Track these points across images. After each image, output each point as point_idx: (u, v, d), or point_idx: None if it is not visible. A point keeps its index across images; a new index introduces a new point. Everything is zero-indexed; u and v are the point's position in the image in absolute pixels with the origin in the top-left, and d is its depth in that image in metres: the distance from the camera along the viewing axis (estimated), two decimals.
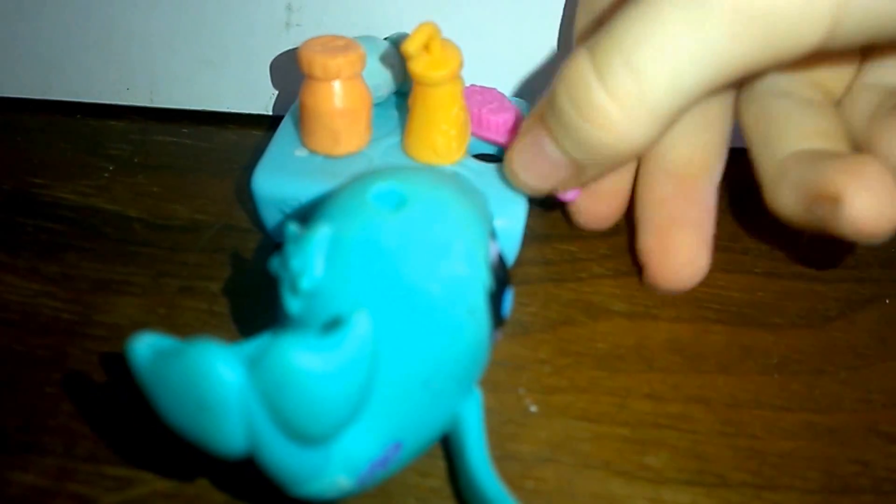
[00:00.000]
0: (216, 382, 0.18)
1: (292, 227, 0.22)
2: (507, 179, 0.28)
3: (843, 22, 0.20)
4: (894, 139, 0.24)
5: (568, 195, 0.29)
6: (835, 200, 0.23)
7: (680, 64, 0.21)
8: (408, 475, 0.24)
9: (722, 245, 0.33)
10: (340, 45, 0.28)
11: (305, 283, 0.21)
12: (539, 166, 0.26)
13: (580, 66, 0.22)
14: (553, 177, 0.26)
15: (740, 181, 0.37)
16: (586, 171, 0.25)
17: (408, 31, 0.33)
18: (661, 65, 0.21)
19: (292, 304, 0.21)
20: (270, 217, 0.30)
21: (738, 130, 0.38)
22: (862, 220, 0.22)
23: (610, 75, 0.22)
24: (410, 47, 0.26)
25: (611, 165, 0.25)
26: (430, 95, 0.28)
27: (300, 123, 0.30)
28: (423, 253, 0.21)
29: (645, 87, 0.22)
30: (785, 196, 0.25)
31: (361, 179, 0.23)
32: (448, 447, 0.24)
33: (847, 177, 0.22)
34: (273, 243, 0.31)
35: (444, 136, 0.29)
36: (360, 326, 0.19)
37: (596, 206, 0.30)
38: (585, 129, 0.23)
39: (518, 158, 0.27)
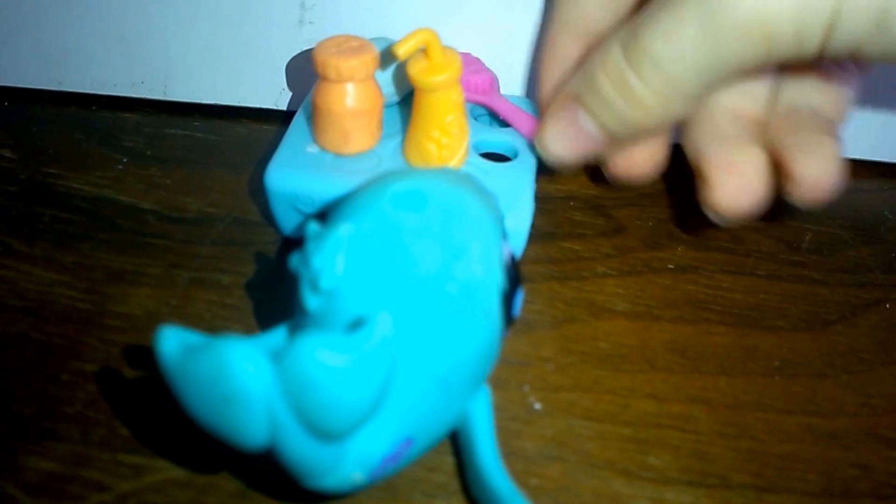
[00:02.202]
0: (244, 379, 0.18)
1: (313, 226, 0.22)
2: (539, 151, 0.30)
3: (833, 36, 0.23)
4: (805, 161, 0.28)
5: None
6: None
7: (693, 59, 0.25)
8: (415, 470, 0.24)
9: (724, 247, 0.33)
10: (355, 46, 0.28)
11: (326, 282, 0.21)
12: (573, 138, 0.29)
13: (615, 55, 0.26)
14: (585, 147, 0.29)
15: None
16: (617, 142, 0.29)
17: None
18: (678, 60, 0.25)
19: (311, 302, 0.21)
20: (282, 212, 0.30)
21: None
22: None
23: (638, 65, 0.26)
24: (399, 49, 0.27)
25: (640, 136, 0.29)
26: (425, 100, 0.28)
27: (312, 121, 0.30)
28: (441, 254, 0.22)
29: (666, 77, 0.25)
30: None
31: (382, 180, 0.23)
32: (456, 443, 0.25)
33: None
34: (283, 237, 0.32)
35: (434, 143, 0.29)
36: (383, 327, 0.19)
37: (632, 164, 0.32)
38: (622, 106, 0.27)
39: (553, 130, 0.29)
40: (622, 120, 0.27)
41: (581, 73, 0.28)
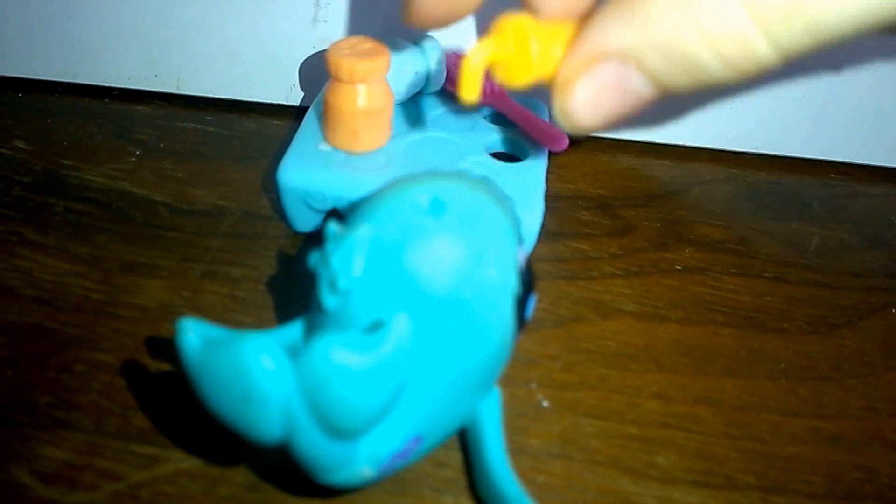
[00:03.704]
0: (264, 378, 0.18)
1: (333, 227, 0.22)
2: (561, 119, 0.23)
3: None
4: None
5: (558, 146, 0.32)
6: None
7: (862, 13, 0.20)
8: (423, 465, 0.25)
9: (732, 249, 0.34)
10: (368, 48, 0.29)
11: (344, 283, 0.21)
12: (614, 100, 0.23)
13: (740, 24, 0.20)
14: (628, 109, 0.23)
15: (748, 185, 0.38)
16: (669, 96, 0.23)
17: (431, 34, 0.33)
18: (844, 17, 0.20)
19: (329, 301, 0.22)
20: (293, 208, 0.30)
21: (744, 135, 0.39)
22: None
23: (780, 26, 0.20)
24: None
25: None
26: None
27: (323, 120, 0.30)
28: (457, 258, 0.22)
29: (816, 35, 0.20)
30: None
31: (402, 183, 0.23)
32: (464, 440, 0.25)
33: None
34: (293, 232, 0.32)
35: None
36: (400, 329, 0.19)
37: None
38: (720, 69, 0.21)
39: (585, 95, 0.23)
40: (708, 80, 0.22)
41: (632, 22, 0.21)
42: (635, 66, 0.22)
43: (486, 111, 0.34)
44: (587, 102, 0.23)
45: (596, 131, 0.24)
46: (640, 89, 0.22)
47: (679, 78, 0.22)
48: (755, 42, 0.20)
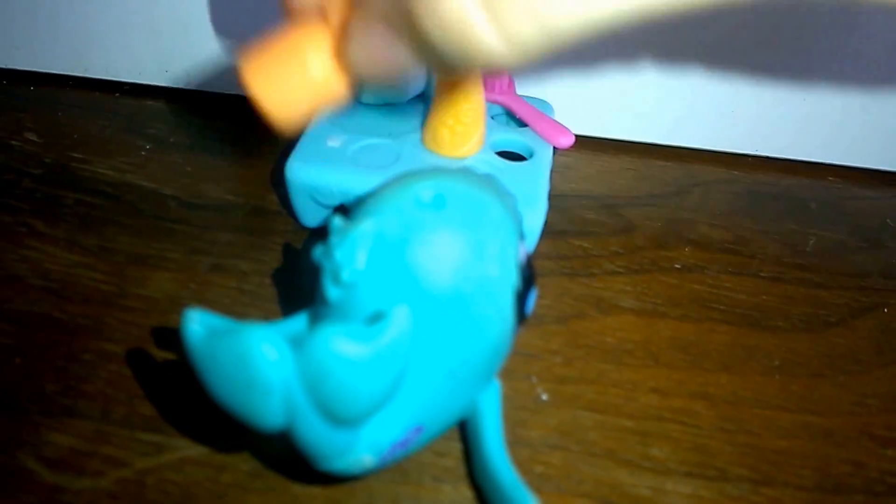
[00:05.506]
0: (266, 367, 0.19)
1: (337, 220, 0.23)
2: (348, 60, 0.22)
3: None
4: None
5: (564, 143, 0.33)
6: None
7: (591, 8, 0.18)
8: (424, 454, 0.25)
9: (729, 248, 0.34)
10: None
11: (347, 275, 0.22)
12: (382, 59, 0.22)
13: (472, 13, 0.19)
14: (395, 69, 0.22)
15: (747, 187, 0.38)
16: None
17: None
18: (570, 12, 0.18)
19: (332, 293, 0.22)
20: (301, 203, 0.31)
21: (746, 136, 0.39)
22: None
23: (510, 20, 0.19)
24: None
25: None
26: (444, 88, 0.29)
27: None
28: (458, 253, 0.22)
29: (548, 34, 0.19)
30: None
31: (405, 179, 0.24)
32: (465, 431, 0.26)
33: None
34: (301, 227, 0.33)
35: (448, 130, 0.30)
36: (400, 320, 0.20)
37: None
38: (458, 58, 0.20)
39: (360, 48, 0.22)
40: (451, 63, 0.20)
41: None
42: (395, 36, 0.21)
43: (493, 111, 0.34)
44: (360, 53, 0.22)
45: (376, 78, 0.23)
46: (403, 60, 0.21)
47: (434, 60, 0.21)
48: (490, 43, 0.19)
